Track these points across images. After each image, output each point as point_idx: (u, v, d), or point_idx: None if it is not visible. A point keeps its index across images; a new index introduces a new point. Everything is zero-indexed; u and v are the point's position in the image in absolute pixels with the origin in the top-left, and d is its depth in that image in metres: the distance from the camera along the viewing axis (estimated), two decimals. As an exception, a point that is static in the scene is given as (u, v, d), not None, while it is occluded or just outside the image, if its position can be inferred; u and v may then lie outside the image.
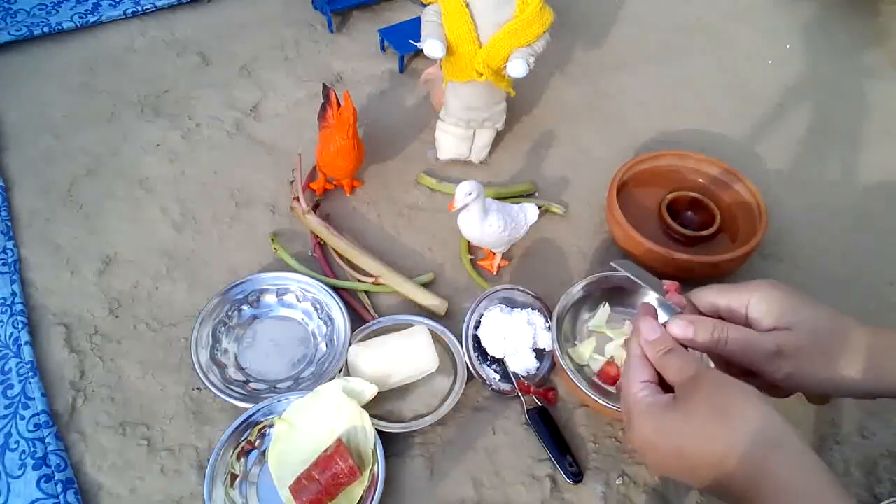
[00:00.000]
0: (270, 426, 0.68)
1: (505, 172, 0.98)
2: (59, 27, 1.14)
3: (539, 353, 0.77)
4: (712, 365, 0.61)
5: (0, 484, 0.66)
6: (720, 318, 0.55)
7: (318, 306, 0.79)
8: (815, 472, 0.43)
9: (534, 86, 1.11)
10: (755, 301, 0.53)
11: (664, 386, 0.51)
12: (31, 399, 0.72)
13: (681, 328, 0.53)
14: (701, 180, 0.92)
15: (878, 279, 0.88)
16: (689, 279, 0.82)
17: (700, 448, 0.45)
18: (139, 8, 1.19)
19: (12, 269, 0.83)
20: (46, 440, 0.69)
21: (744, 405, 0.45)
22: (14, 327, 0.77)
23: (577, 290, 0.77)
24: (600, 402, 0.68)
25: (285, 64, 1.14)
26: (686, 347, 0.52)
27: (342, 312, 0.77)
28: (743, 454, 0.43)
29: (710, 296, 0.55)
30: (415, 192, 0.95)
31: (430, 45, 0.79)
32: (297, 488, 0.62)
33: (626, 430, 0.51)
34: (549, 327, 0.76)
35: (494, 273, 0.85)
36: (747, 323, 0.55)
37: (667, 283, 0.57)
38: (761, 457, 0.43)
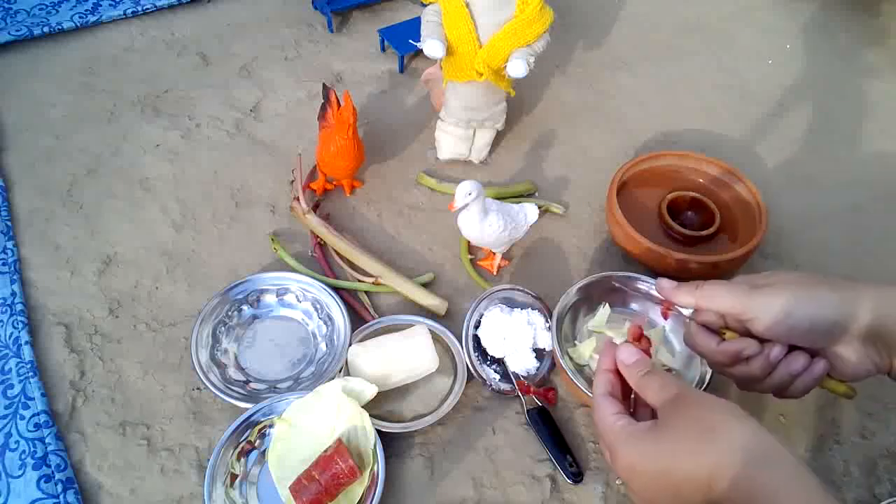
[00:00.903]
0: (270, 426, 0.68)
1: (505, 172, 0.98)
2: (59, 27, 1.14)
3: (539, 353, 0.77)
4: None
5: (0, 484, 0.66)
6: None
7: (318, 306, 0.79)
8: (807, 487, 0.43)
9: (534, 86, 1.11)
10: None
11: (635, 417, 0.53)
12: (31, 399, 0.72)
13: (667, 283, 0.60)
14: (701, 180, 0.92)
15: (878, 279, 0.87)
16: (689, 279, 0.82)
17: (687, 469, 0.45)
18: (139, 8, 1.19)
19: (12, 269, 0.83)
20: (46, 440, 0.69)
21: (729, 423, 0.45)
22: (14, 327, 0.77)
23: (577, 290, 0.77)
24: (600, 402, 0.68)
25: (285, 64, 1.14)
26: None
27: (342, 312, 0.77)
28: (732, 473, 0.43)
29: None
30: (415, 192, 0.95)
31: (430, 45, 0.79)
32: (297, 488, 0.62)
33: (610, 463, 0.51)
34: (549, 327, 0.76)
35: (494, 273, 0.85)
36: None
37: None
38: (751, 474, 0.43)
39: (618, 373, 0.54)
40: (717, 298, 0.58)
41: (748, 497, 0.43)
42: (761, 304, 0.55)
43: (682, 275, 0.81)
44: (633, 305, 0.80)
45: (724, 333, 0.59)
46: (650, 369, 0.52)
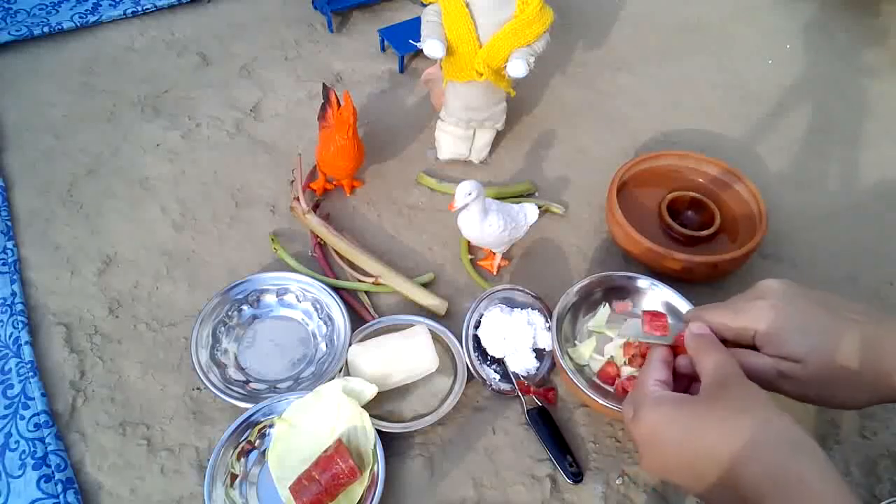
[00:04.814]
0: (270, 426, 0.68)
1: (505, 172, 0.98)
2: (59, 27, 1.14)
3: (539, 353, 0.77)
4: None
5: (0, 484, 0.67)
6: (724, 340, 0.57)
7: (318, 306, 0.79)
8: (834, 481, 0.43)
9: (534, 86, 1.11)
10: (762, 332, 0.55)
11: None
12: (31, 399, 0.72)
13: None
14: (701, 180, 0.92)
15: (878, 279, 0.88)
16: (690, 279, 0.82)
17: (710, 441, 0.46)
18: (139, 8, 1.19)
19: (12, 268, 0.83)
20: (46, 440, 0.69)
21: (766, 411, 0.46)
22: (14, 327, 0.77)
23: (576, 290, 0.77)
24: (600, 402, 0.68)
25: (285, 64, 1.14)
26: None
27: (342, 312, 0.77)
28: (766, 452, 0.44)
29: (718, 316, 0.57)
30: (415, 192, 0.95)
31: (430, 45, 0.79)
32: (297, 488, 0.62)
33: (629, 424, 0.52)
34: (549, 327, 0.76)
35: (494, 273, 0.85)
36: (754, 346, 0.57)
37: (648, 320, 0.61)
38: (784, 458, 0.43)
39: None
40: (713, 313, 0.58)
41: (779, 482, 0.43)
42: (757, 308, 0.55)
43: (682, 275, 0.81)
44: (634, 307, 0.80)
45: None
46: (715, 342, 0.54)
